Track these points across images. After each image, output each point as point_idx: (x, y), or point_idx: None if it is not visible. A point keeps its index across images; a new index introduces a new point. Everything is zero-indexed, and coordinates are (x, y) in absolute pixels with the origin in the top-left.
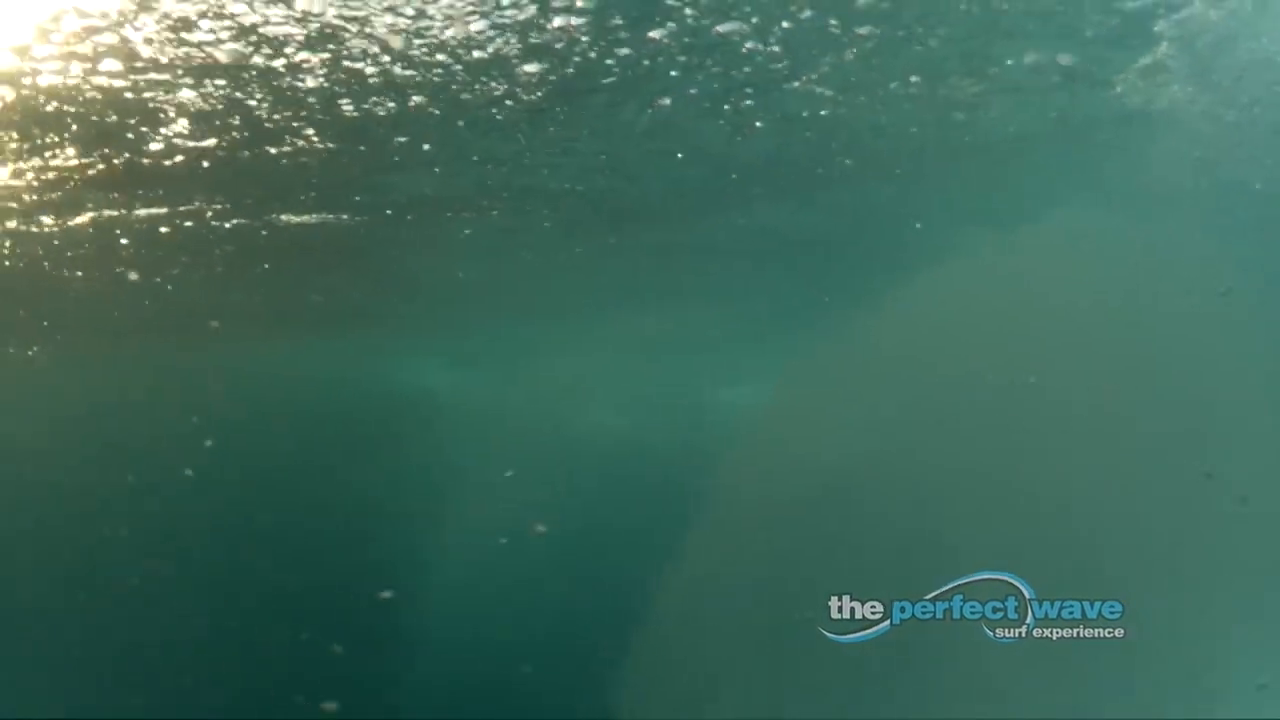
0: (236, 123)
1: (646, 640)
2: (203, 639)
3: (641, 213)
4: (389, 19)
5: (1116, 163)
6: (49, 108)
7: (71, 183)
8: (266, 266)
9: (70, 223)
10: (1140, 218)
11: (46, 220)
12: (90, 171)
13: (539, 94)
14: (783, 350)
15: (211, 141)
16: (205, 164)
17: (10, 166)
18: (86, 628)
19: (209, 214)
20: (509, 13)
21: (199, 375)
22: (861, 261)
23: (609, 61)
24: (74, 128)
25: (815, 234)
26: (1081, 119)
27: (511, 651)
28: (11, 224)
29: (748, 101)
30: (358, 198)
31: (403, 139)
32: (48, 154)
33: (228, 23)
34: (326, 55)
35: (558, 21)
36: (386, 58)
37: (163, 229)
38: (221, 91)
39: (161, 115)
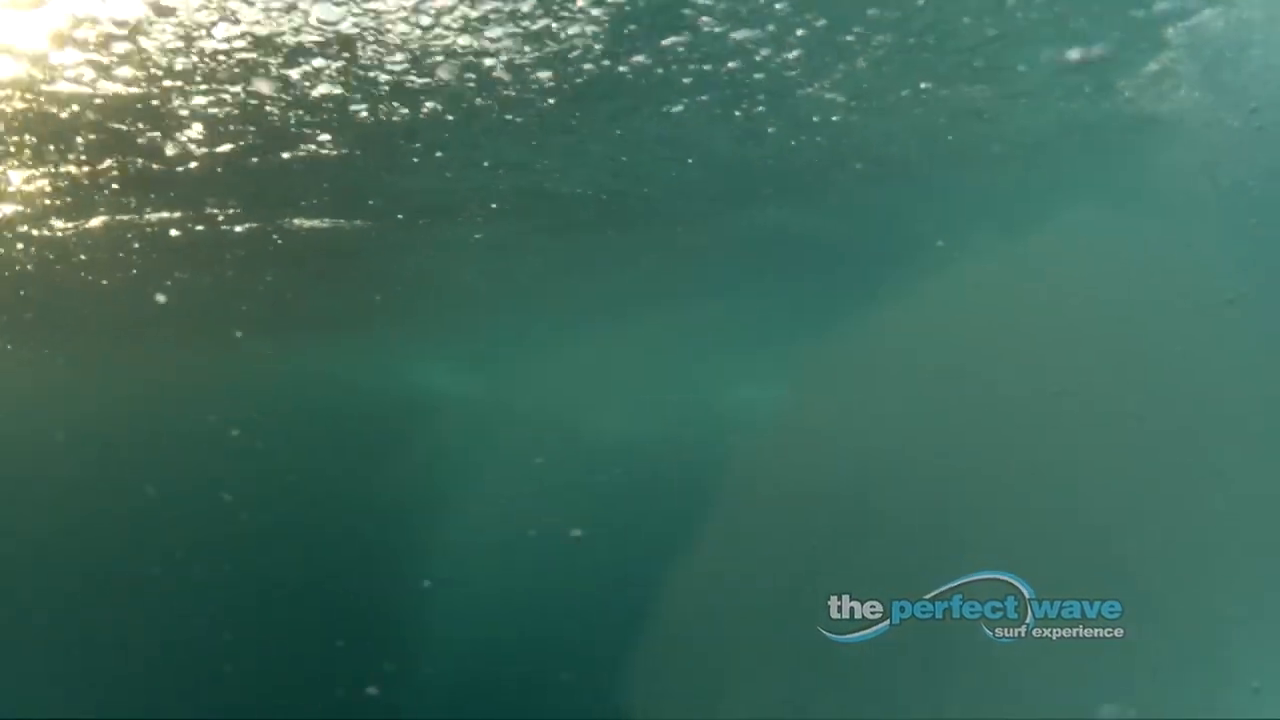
0: (251, 128)
1: (646, 640)
2: (222, 639)
3: (652, 215)
4: (403, 28)
5: (1126, 167)
6: (64, 113)
7: (84, 187)
8: (279, 270)
9: (83, 227)
10: (1148, 222)
11: (59, 224)
12: (103, 176)
13: (552, 100)
14: (791, 352)
15: (227, 147)
16: (218, 169)
17: (24, 171)
18: (109, 629)
19: (221, 218)
20: (524, 22)
21: (212, 378)
22: (869, 264)
23: (622, 68)
24: (88, 133)
25: (826, 236)
26: (1091, 124)
27: (517, 651)
28: (24, 228)
29: (760, 108)
30: (370, 202)
31: (415, 144)
32: (61, 159)
33: (243, 28)
34: (340, 63)
35: (573, 30)
36: (400, 64)
37: (174, 233)
38: (235, 97)
39: (175, 120)
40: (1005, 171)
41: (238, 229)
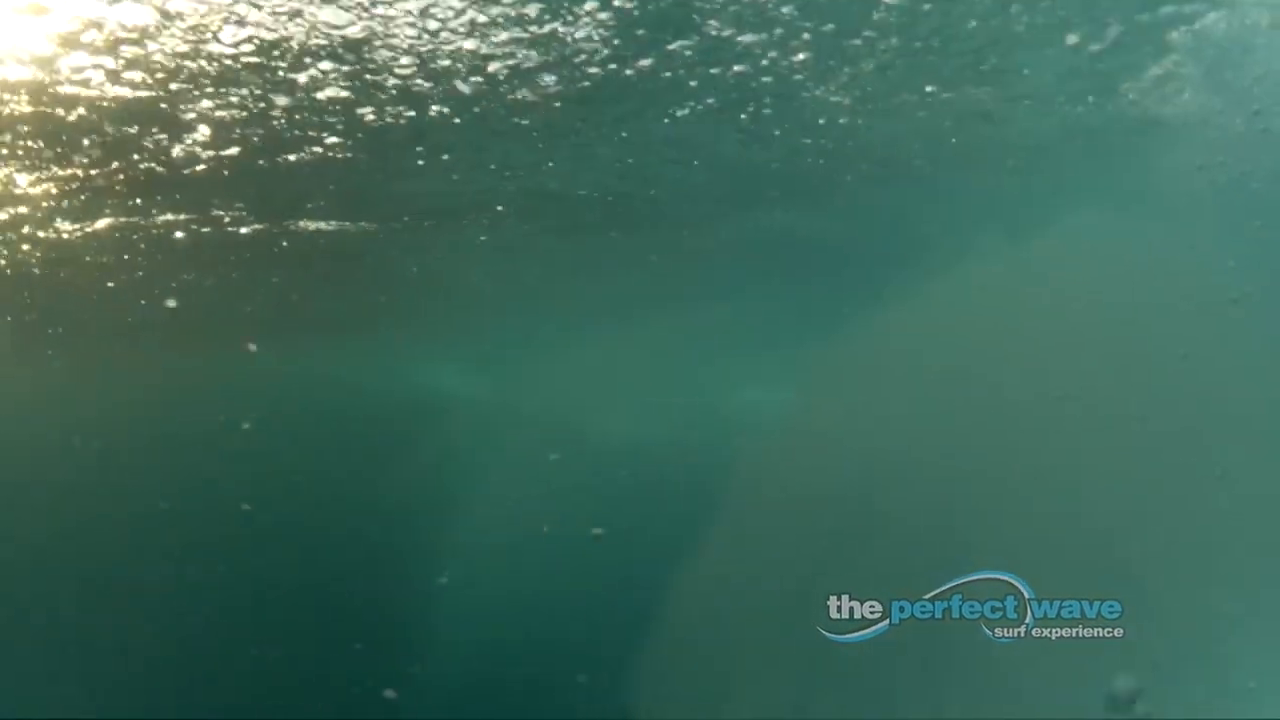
0: (258, 132)
1: (647, 639)
2: (228, 639)
3: (658, 217)
4: (410, 31)
5: (1130, 169)
6: (72, 116)
7: (92, 190)
8: (286, 272)
9: (90, 229)
10: (1152, 224)
11: (66, 226)
12: (111, 179)
13: (558, 103)
14: (796, 355)
15: (234, 150)
16: (225, 172)
17: (33, 174)
18: (118, 630)
19: (228, 221)
20: (531, 26)
21: (220, 380)
22: (874, 267)
23: (629, 72)
24: (96, 136)
25: (832, 239)
26: (1095, 127)
27: (517, 650)
28: (32, 230)
29: (766, 111)
30: (377, 204)
31: (422, 147)
32: (69, 162)
33: (250, 31)
34: (347, 67)
35: (580, 34)
36: (407, 68)
37: (181, 235)
38: (242, 100)
39: (182, 123)
40: (1010, 174)
41: (245, 231)
